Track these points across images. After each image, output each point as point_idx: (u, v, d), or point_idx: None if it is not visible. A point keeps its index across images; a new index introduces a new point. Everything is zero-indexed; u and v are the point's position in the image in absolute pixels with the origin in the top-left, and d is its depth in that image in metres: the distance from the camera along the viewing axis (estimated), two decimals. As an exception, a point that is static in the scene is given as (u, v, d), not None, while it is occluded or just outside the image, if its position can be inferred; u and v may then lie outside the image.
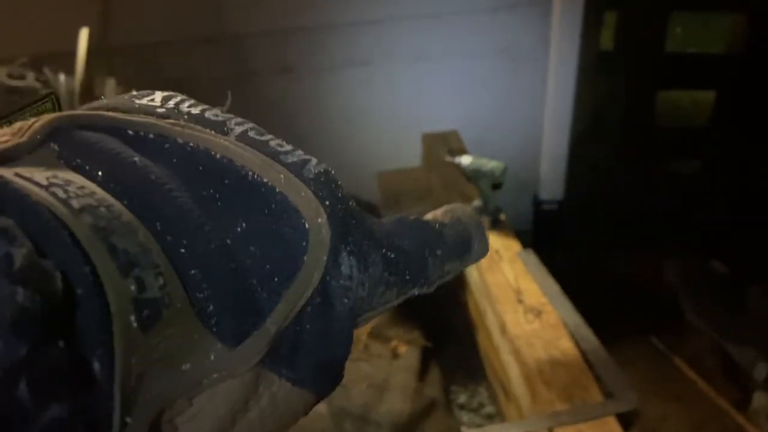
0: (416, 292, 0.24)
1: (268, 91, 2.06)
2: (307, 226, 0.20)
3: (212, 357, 0.18)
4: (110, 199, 0.17)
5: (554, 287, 1.47)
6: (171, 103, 0.22)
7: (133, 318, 0.16)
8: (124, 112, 0.21)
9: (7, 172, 0.16)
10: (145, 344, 0.16)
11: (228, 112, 0.22)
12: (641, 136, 2.13)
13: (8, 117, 0.23)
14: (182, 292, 0.17)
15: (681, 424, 1.59)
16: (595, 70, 1.99)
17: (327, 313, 0.20)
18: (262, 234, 0.19)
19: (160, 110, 0.21)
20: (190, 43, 1.98)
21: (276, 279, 0.19)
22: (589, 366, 1.27)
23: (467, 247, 0.25)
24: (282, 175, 0.20)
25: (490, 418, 1.63)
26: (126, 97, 0.22)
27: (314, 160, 0.21)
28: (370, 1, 2.00)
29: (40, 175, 0.17)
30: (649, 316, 1.85)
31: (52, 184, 0.16)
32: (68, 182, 0.17)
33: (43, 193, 0.16)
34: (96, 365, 0.15)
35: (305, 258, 0.19)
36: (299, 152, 0.21)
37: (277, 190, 0.20)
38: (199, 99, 0.23)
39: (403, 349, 1.74)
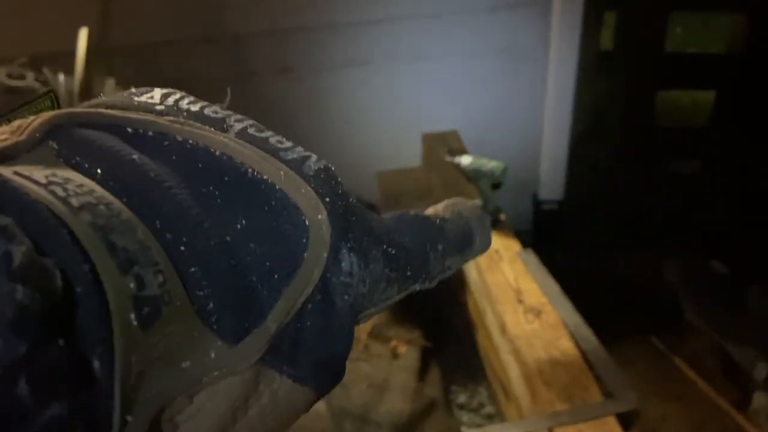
0: (418, 288, 0.24)
1: (268, 91, 2.06)
2: (307, 222, 0.20)
3: (212, 354, 0.18)
4: (109, 197, 0.17)
5: (554, 287, 1.47)
6: (170, 100, 0.22)
7: (132, 316, 0.16)
8: (123, 109, 0.21)
9: (6, 171, 0.16)
10: (145, 342, 0.16)
11: (228, 109, 0.22)
12: (641, 136, 2.13)
13: (7, 115, 0.23)
14: (182, 290, 0.17)
15: (681, 424, 1.59)
16: (595, 70, 1.99)
17: (328, 310, 0.20)
18: (262, 231, 0.19)
19: (159, 107, 0.21)
20: (190, 43, 1.98)
21: (276, 276, 0.19)
22: (589, 366, 1.27)
23: (469, 241, 0.25)
24: (282, 172, 0.20)
25: (490, 418, 1.63)
26: (125, 95, 0.22)
27: (314, 157, 0.21)
28: (370, 1, 2.00)
29: (39, 174, 0.17)
30: (649, 316, 1.85)
31: (51, 183, 0.16)
32: (67, 180, 0.17)
33: (42, 192, 0.16)
34: (96, 363, 0.15)
35: (305, 255, 0.19)
36: (299, 149, 0.21)
37: (277, 186, 0.20)
38: (199, 98, 0.23)
39: (403, 349, 1.74)
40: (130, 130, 0.20)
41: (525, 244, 1.64)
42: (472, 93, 2.14)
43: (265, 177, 0.20)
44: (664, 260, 1.97)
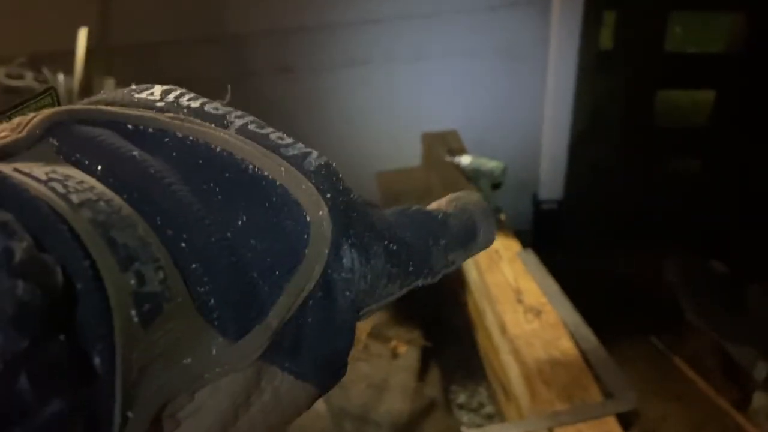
0: (420, 283, 0.24)
1: (267, 91, 2.06)
2: (308, 218, 0.19)
3: (214, 351, 0.18)
4: (109, 193, 0.17)
5: (554, 287, 1.47)
6: (170, 97, 0.22)
7: (133, 312, 0.16)
8: (123, 106, 0.21)
9: (6, 168, 0.16)
10: (146, 339, 0.16)
11: (228, 106, 0.22)
12: (641, 135, 2.13)
13: (7, 113, 0.23)
14: (183, 286, 0.17)
15: (681, 424, 1.59)
16: (595, 70, 1.99)
17: (329, 307, 0.20)
18: (263, 227, 0.19)
19: (159, 104, 0.21)
20: (190, 43, 1.98)
21: (277, 272, 0.19)
22: (588, 366, 1.27)
23: (472, 235, 0.25)
24: (283, 168, 0.20)
25: (490, 418, 1.63)
26: (125, 91, 0.22)
27: (315, 153, 0.21)
28: (370, 1, 2.00)
29: (39, 170, 0.17)
30: (649, 316, 1.85)
31: (51, 179, 0.16)
32: (67, 177, 0.17)
33: (42, 188, 0.16)
34: (96, 360, 0.15)
35: (306, 251, 0.19)
36: (300, 145, 0.21)
37: (278, 183, 0.20)
38: (199, 95, 0.23)
39: (402, 349, 1.74)
40: (130, 126, 0.20)
41: (525, 244, 1.64)
42: (471, 93, 2.14)
43: (265, 173, 0.20)
44: (664, 260, 1.97)
